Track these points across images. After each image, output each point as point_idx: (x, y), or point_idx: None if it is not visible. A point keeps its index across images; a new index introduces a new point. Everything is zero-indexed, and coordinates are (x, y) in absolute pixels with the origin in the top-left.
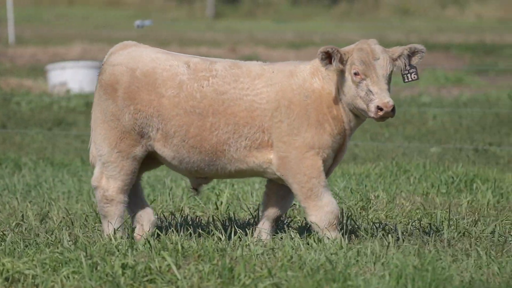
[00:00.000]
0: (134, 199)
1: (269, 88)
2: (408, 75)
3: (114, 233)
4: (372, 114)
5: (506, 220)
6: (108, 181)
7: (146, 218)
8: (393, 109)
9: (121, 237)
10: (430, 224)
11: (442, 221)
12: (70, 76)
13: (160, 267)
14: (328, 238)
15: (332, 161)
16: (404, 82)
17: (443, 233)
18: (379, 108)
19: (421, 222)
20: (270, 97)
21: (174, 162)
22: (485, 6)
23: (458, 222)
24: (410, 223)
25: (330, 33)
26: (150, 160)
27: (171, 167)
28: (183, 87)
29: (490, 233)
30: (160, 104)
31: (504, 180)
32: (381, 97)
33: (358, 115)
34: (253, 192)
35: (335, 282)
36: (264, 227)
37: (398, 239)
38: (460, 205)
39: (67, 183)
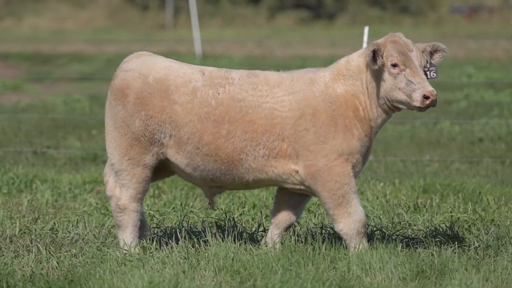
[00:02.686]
0: None
1: (290, 96)
2: (428, 72)
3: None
4: (418, 104)
5: (64, 218)
6: (121, 190)
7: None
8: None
9: (135, 247)
10: None
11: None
12: None
13: None
14: (354, 248)
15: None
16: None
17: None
18: (426, 97)
19: None
20: (292, 105)
21: (188, 170)
22: (39, 18)
23: (19, 220)
24: None
25: None
26: (162, 169)
27: (185, 176)
28: (197, 93)
29: (50, 230)
30: (173, 111)
31: (61, 180)
32: (424, 86)
33: (388, 111)
34: None
35: None
36: (273, 235)
37: None
38: (21, 204)
39: None
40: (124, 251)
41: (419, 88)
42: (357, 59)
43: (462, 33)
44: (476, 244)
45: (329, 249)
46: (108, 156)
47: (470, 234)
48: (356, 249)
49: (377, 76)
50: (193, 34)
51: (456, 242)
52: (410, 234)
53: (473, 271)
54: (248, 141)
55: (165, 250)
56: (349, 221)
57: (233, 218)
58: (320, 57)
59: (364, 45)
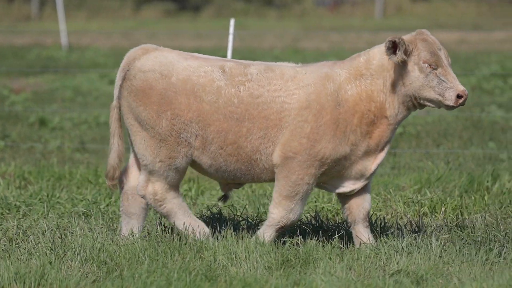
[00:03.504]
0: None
1: (301, 90)
2: None
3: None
4: (451, 103)
5: None
6: (154, 185)
7: None
8: None
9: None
10: None
11: None
12: None
13: None
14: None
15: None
16: None
17: None
18: (459, 96)
19: None
20: (300, 97)
21: (211, 170)
22: None
23: None
24: None
25: None
26: None
27: (206, 174)
28: (221, 92)
29: None
30: (200, 109)
31: None
32: (457, 85)
33: (411, 108)
34: None
35: None
36: (358, 232)
37: None
38: None
39: None
40: (192, 235)
41: (452, 87)
42: (380, 57)
43: (326, 25)
44: (340, 233)
45: (195, 239)
46: (139, 157)
47: (334, 223)
48: (262, 235)
49: (405, 74)
50: (59, 26)
51: (321, 232)
52: None
53: (337, 259)
54: (262, 139)
55: (31, 241)
56: (285, 214)
57: (100, 209)
58: (186, 49)
59: (231, 37)
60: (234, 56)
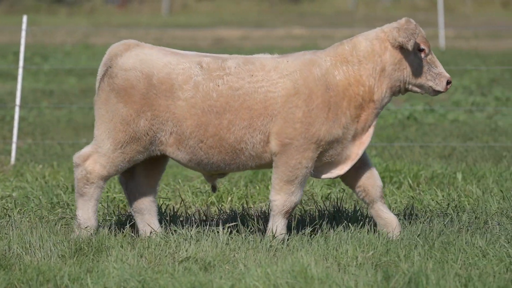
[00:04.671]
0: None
1: (285, 78)
2: None
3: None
4: (441, 89)
5: None
6: (94, 166)
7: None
8: None
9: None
10: None
11: None
12: None
13: None
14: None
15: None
16: None
17: None
18: (448, 82)
19: None
20: (286, 84)
21: (191, 164)
22: None
23: None
24: None
25: None
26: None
27: (187, 167)
28: (199, 87)
29: None
30: (177, 107)
31: None
32: (445, 72)
33: (396, 93)
34: None
35: None
36: (379, 210)
37: None
38: None
39: None
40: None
41: (441, 73)
42: (369, 44)
43: (115, 22)
44: (132, 222)
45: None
46: (95, 138)
47: (126, 213)
48: (274, 226)
49: (401, 59)
50: None
51: (113, 220)
52: (69, 213)
53: (129, 247)
54: (246, 129)
55: None
56: (287, 198)
57: None
58: None
59: (23, 33)
60: (26, 51)
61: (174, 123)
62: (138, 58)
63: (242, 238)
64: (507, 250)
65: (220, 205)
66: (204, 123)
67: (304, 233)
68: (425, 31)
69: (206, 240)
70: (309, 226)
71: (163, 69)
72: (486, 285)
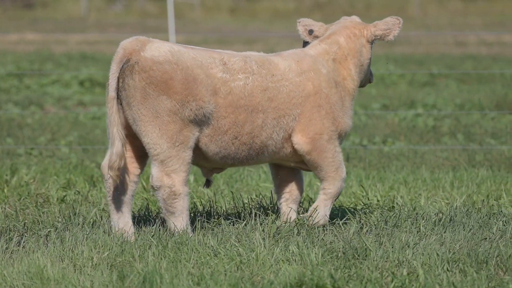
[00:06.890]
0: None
1: (301, 76)
2: None
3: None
4: (373, 79)
5: None
6: (171, 177)
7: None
8: None
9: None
10: None
11: None
12: None
13: None
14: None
15: None
16: None
17: None
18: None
19: None
20: (305, 84)
21: (216, 158)
22: None
23: None
24: None
25: None
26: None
27: (201, 161)
28: (231, 85)
29: None
30: (216, 101)
31: None
32: None
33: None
34: None
35: None
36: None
37: None
38: None
39: None
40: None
41: None
42: (352, 40)
43: None
44: None
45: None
46: (150, 148)
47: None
48: (328, 210)
49: (367, 51)
50: None
51: None
52: None
53: None
54: (274, 127)
55: None
56: (341, 184)
57: None
58: None
59: None
60: None
61: (214, 117)
62: (165, 50)
63: None
64: (238, 249)
65: None
66: (241, 121)
67: (40, 235)
68: (156, 37)
69: None
70: (45, 229)
71: (193, 61)
72: (218, 283)
